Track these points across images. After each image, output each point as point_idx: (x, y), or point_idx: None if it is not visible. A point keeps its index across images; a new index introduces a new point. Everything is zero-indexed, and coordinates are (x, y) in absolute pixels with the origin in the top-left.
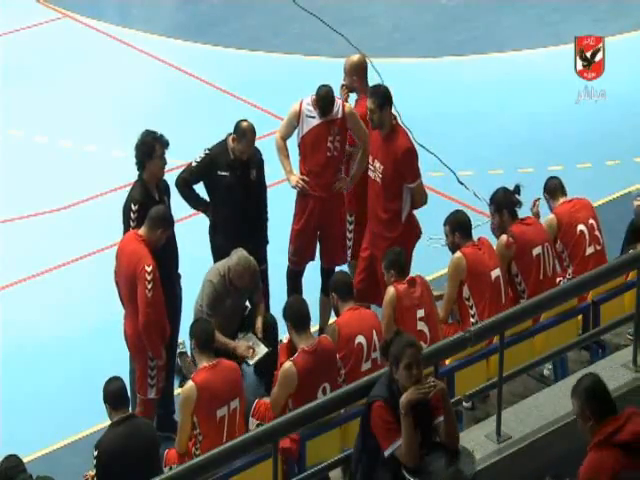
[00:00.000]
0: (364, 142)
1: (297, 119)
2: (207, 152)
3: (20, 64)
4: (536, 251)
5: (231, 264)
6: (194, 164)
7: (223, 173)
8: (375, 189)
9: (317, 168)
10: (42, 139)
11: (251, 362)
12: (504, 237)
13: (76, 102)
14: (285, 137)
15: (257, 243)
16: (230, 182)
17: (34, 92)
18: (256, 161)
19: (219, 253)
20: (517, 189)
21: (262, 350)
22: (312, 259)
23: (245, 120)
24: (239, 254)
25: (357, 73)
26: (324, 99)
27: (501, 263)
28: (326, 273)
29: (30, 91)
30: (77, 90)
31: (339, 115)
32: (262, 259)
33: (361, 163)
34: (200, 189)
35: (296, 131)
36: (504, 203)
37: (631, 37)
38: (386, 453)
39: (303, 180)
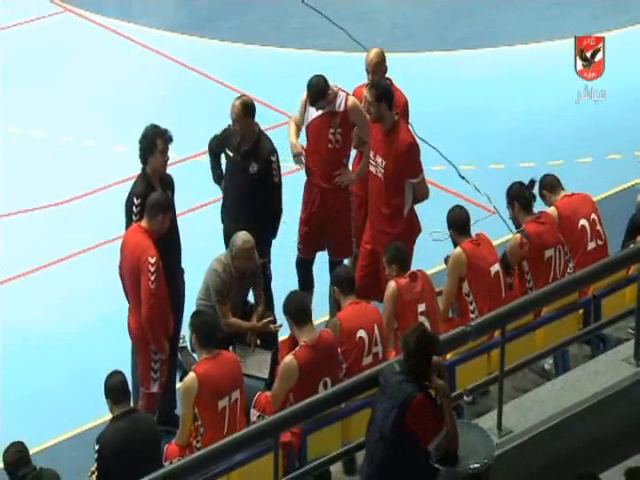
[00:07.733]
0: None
1: (304, 108)
2: (228, 126)
3: (20, 58)
4: (548, 253)
5: (236, 247)
6: (218, 133)
7: (230, 153)
8: (377, 184)
9: (319, 159)
10: (42, 133)
11: (266, 376)
12: (518, 236)
13: (76, 96)
14: (298, 123)
15: (258, 238)
16: (230, 165)
17: (34, 87)
18: (261, 155)
19: (226, 234)
20: (532, 184)
21: (267, 357)
22: (319, 249)
23: (239, 97)
24: (240, 235)
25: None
26: (312, 88)
27: (512, 260)
28: (334, 266)
29: (30, 86)
30: (77, 84)
31: (341, 108)
32: (263, 253)
33: (368, 160)
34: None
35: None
36: (514, 195)
37: (630, 32)
38: (431, 446)
39: (303, 155)
